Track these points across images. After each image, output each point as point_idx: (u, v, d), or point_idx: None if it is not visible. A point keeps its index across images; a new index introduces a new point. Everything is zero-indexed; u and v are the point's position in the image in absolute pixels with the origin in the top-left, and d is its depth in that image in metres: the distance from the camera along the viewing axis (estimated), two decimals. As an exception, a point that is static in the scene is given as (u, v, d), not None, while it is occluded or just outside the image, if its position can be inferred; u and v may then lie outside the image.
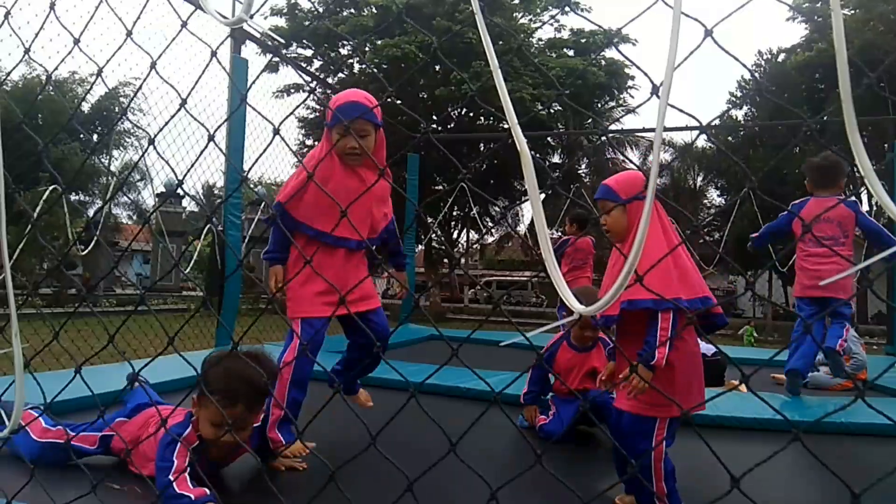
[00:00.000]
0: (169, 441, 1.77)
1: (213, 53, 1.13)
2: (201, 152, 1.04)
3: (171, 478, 1.70)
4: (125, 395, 2.24)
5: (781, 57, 21.37)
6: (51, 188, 6.54)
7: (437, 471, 0.97)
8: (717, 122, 21.92)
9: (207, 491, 1.71)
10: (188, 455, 1.77)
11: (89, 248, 6.57)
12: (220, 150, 1.02)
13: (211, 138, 1.06)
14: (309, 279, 2.40)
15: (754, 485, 0.96)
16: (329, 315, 2.33)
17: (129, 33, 1.19)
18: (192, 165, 1.10)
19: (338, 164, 2.43)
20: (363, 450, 0.98)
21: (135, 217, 21.11)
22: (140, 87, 1.22)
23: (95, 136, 21.83)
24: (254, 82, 5.59)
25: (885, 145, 18.31)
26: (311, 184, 2.23)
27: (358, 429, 1.02)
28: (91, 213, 21.27)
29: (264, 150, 0.97)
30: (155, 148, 1.16)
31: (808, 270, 3.93)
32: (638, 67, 0.92)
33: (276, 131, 1.03)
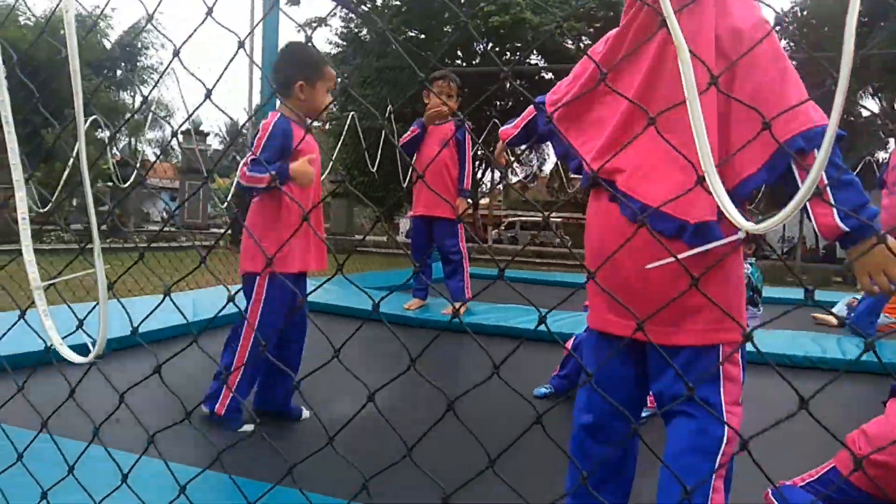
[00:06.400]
0: None
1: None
2: (231, 59, 0.98)
3: None
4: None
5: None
6: (91, 119, 6.50)
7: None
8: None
9: None
10: None
11: (129, 183, 6.61)
12: (249, 56, 0.96)
13: (241, 45, 1.00)
14: None
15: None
16: None
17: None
18: (224, 72, 1.03)
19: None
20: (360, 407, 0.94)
21: (160, 154, 21.22)
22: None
23: (119, 72, 21.74)
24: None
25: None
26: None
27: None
28: (119, 149, 21.41)
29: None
30: (180, 60, 1.10)
31: None
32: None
33: (309, 38, 0.96)
